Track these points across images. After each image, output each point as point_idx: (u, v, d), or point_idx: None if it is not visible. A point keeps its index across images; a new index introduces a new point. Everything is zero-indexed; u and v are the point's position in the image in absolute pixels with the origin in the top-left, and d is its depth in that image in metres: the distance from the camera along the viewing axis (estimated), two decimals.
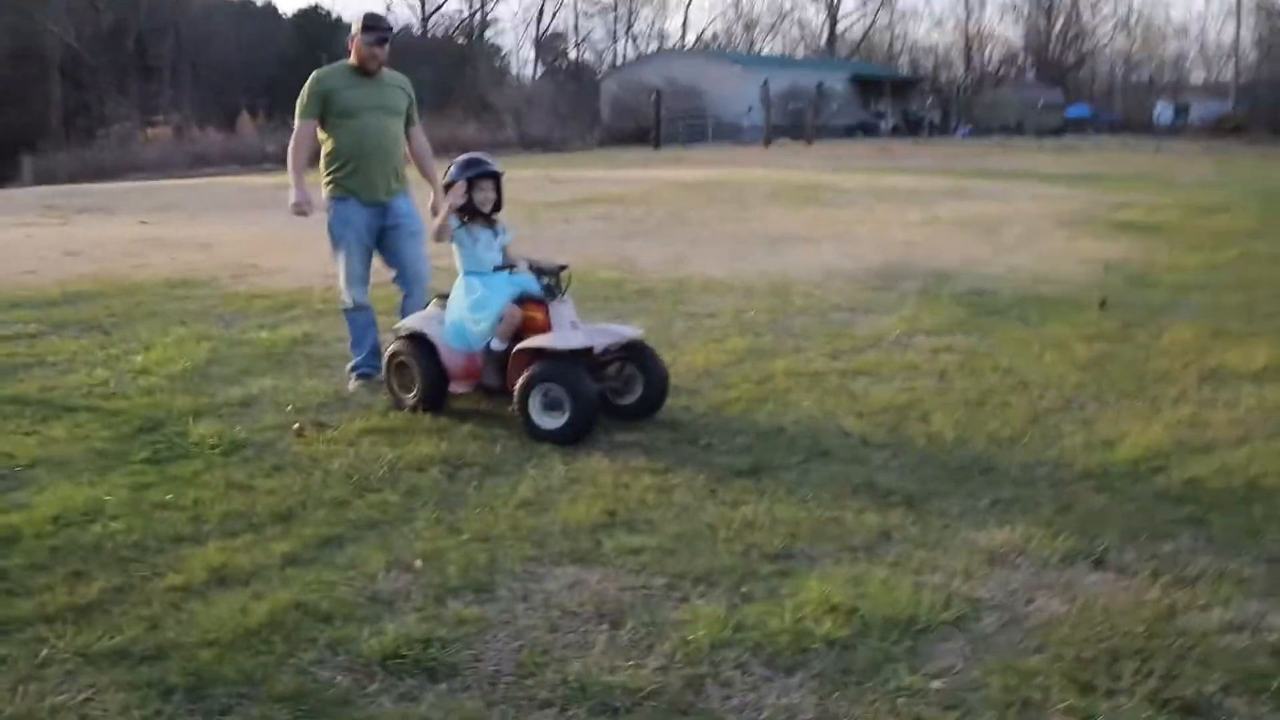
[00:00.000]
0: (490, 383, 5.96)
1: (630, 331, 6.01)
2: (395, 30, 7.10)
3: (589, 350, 5.74)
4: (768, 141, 40.86)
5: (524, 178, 21.60)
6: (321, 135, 6.82)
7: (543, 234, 13.65)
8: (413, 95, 7.13)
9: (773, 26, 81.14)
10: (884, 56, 74.04)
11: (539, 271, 5.95)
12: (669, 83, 50.61)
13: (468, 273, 6.06)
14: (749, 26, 79.17)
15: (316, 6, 66.30)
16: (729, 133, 48.39)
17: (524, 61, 79.44)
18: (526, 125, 51.82)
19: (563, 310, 5.83)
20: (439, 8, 72.26)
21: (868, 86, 58.58)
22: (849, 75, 58.13)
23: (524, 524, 4.55)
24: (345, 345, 7.09)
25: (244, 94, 54.54)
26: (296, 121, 6.85)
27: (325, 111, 6.73)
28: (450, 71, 62.83)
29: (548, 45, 76.77)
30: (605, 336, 5.87)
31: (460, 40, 72.33)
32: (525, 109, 54.55)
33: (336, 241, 6.85)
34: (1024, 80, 66.58)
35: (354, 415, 6.13)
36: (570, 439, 5.53)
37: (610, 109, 56.08)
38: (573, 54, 77.16)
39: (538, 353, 5.67)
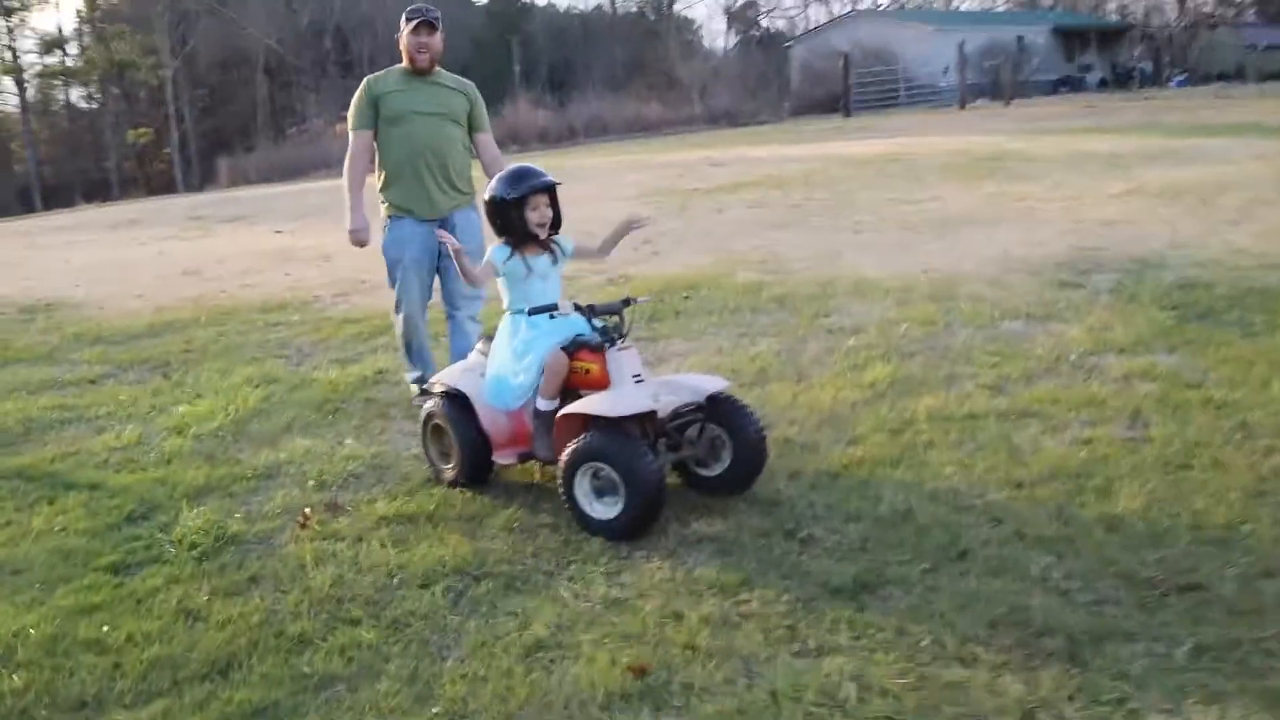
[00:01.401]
0: (540, 453, 4.73)
1: (711, 384, 4.63)
2: (440, 18, 5.99)
3: (652, 414, 4.41)
4: (963, 104, 38.27)
5: (683, 161, 20.26)
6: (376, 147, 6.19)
7: (691, 226, 12.31)
8: (477, 98, 6.27)
9: None
10: (1089, 5, 69.35)
11: (591, 312, 4.63)
12: (859, 47, 48.27)
13: (514, 312, 4.79)
14: None
15: None
16: (924, 96, 45.84)
17: (715, 34, 77.50)
18: (713, 99, 50.42)
19: (622, 360, 4.50)
20: None
21: (1072, 38, 54.50)
22: (1051, 27, 54.14)
23: (518, 688, 3.29)
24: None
25: None
26: (350, 136, 6.18)
27: (378, 119, 6.12)
28: (640, 48, 61.96)
29: (739, 15, 74.86)
30: (675, 393, 4.52)
31: (650, 16, 71.21)
32: (711, 82, 53.09)
33: (392, 267, 6.22)
34: (1244, 20, 61.09)
35: (380, 493, 5.00)
36: (626, 533, 4.26)
37: (800, 77, 53.98)
38: (764, 22, 75.04)
39: (586, 419, 4.37)
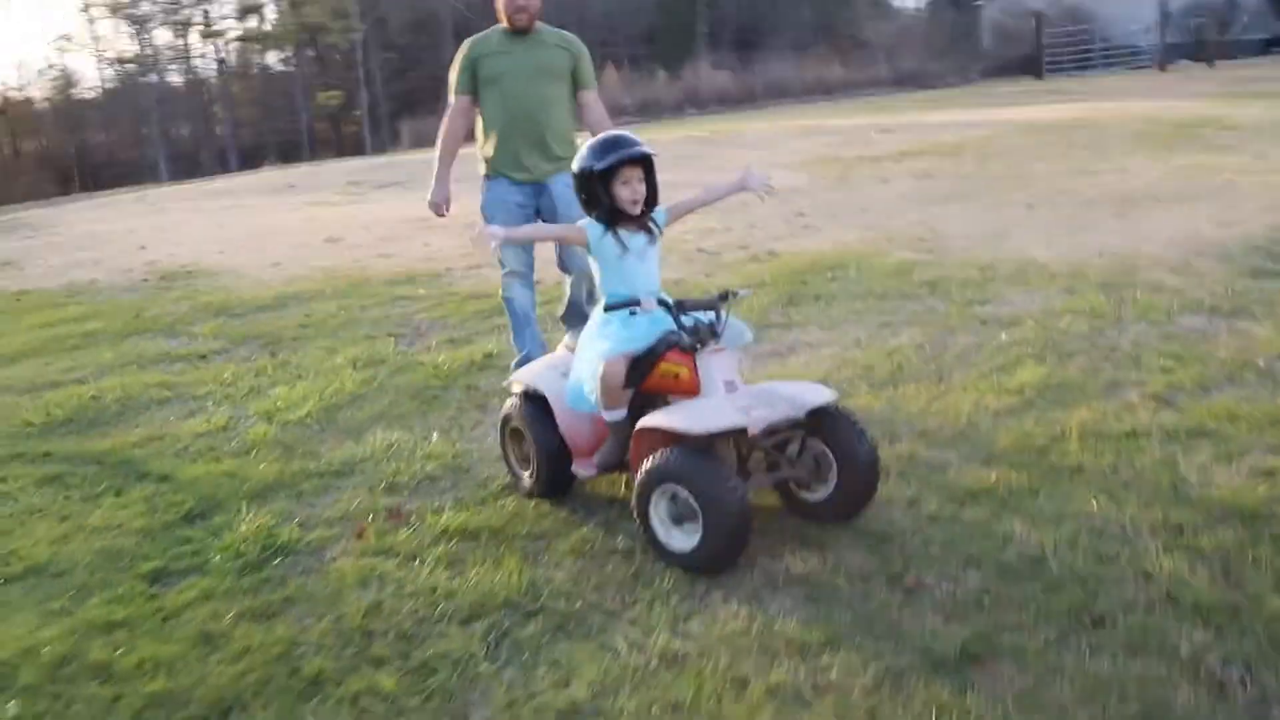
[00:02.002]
0: (608, 461, 4.22)
1: (814, 395, 3.96)
2: None
3: (741, 431, 3.80)
4: (1163, 65, 35.86)
5: (851, 127, 19.29)
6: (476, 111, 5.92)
7: (850, 199, 11.54)
8: (581, 53, 5.89)
9: None
10: None
11: (680, 309, 4.04)
12: (1054, 5, 45.89)
13: (609, 303, 4.21)
14: None
15: None
16: (1122, 57, 43.28)
17: None
18: (899, 61, 48.77)
19: (714, 365, 3.92)
20: None
21: None
22: None
23: None
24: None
25: (626, 44, 54.78)
26: (450, 100, 5.91)
27: (476, 83, 5.83)
28: (829, 9, 60.37)
29: None
30: (772, 405, 3.86)
31: None
32: (898, 44, 51.35)
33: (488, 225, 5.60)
34: None
35: (451, 501, 4.55)
36: (705, 566, 3.68)
37: (991, 37, 51.73)
38: None
39: (662, 435, 3.79)
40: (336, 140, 55.61)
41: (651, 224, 4.26)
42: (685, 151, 17.18)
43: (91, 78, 59.51)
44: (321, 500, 4.70)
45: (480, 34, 5.93)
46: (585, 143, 4.24)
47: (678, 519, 3.74)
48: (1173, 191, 10.30)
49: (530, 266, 5.93)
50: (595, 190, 4.14)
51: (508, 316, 6.02)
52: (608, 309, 4.10)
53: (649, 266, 4.25)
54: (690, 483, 3.64)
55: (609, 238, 4.17)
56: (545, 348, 5.85)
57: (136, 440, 5.70)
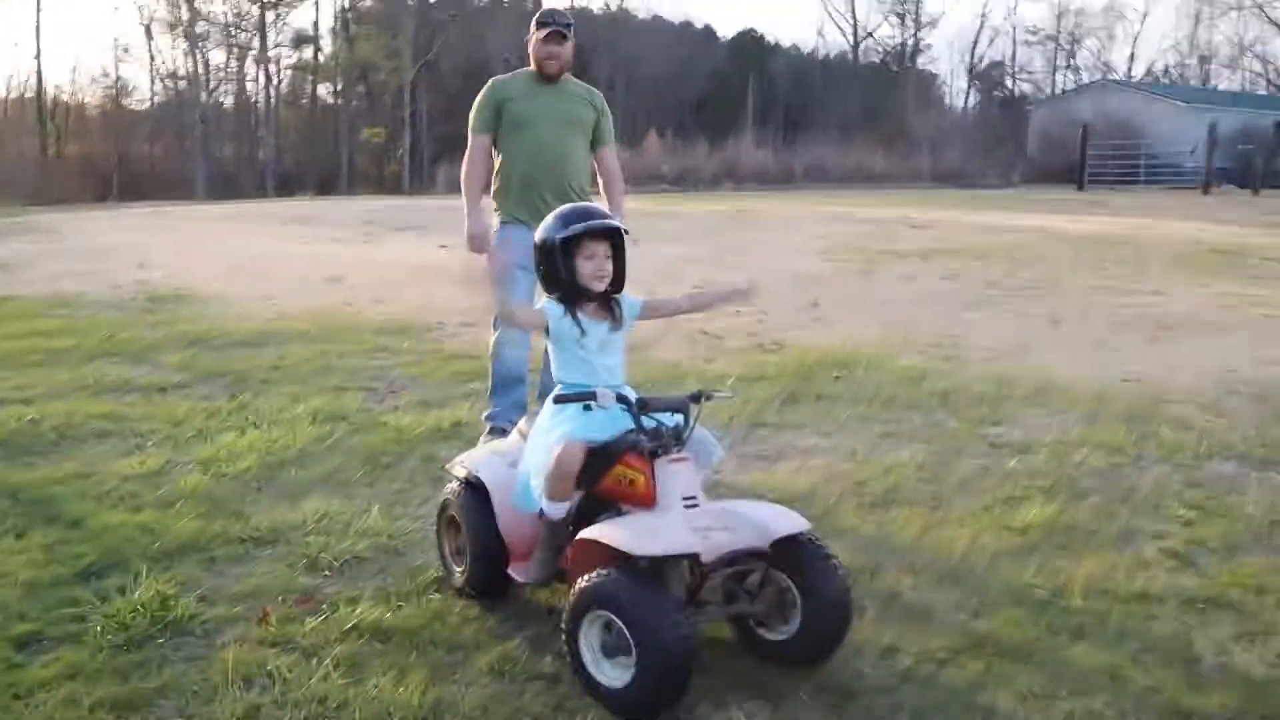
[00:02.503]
0: (532, 570, 3.74)
1: (783, 522, 3.43)
2: (572, 25, 5.77)
3: (694, 557, 3.30)
4: (1207, 188, 35.44)
5: (882, 218, 18.83)
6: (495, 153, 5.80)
7: (870, 293, 11.08)
8: (604, 110, 5.86)
9: (1231, 60, 72.06)
10: None
11: (642, 407, 3.55)
12: (1103, 117, 45.63)
13: (561, 394, 3.71)
14: (1204, 60, 71.04)
15: (752, 30, 65.89)
16: (1166, 175, 42.94)
17: (958, 91, 74.80)
18: (942, 157, 48.60)
19: (674, 475, 3.42)
20: (870, 34, 69.67)
21: None
22: None
23: None
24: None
25: (674, 111, 54.87)
26: (470, 138, 5.72)
27: (499, 124, 5.71)
28: (878, 98, 60.45)
29: (984, 75, 72.40)
30: (735, 529, 3.36)
31: (893, 67, 69.49)
32: (943, 139, 51.21)
33: (500, 272, 5.55)
34: None
35: (372, 589, 4.06)
36: (636, 709, 3.16)
37: (1037, 143, 51.51)
38: (1009, 84, 72.28)
39: (603, 550, 3.29)
40: (378, 178, 55.65)
41: (615, 308, 3.81)
42: (710, 225, 16.86)
43: (143, 90, 59.75)
44: (233, 570, 4.22)
45: (506, 75, 5.86)
46: (552, 214, 3.80)
47: (610, 651, 3.21)
48: (1209, 320, 9.80)
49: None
50: (555, 263, 3.70)
51: (490, 372, 5.74)
52: (558, 400, 3.63)
53: (611, 358, 3.82)
54: (626, 611, 3.12)
55: (567, 320, 3.72)
56: (524, 412, 5.40)
57: (62, 476, 5.26)
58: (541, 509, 3.63)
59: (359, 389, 6.97)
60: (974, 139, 51.95)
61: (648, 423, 3.51)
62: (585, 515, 3.62)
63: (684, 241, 15.08)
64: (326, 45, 61.96)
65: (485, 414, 5.82)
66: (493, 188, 5.75)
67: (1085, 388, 7.22)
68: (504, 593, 3.90)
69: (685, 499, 3.39)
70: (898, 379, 7.39)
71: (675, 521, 3.32)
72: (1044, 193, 34.19)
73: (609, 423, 3.58)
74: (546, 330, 3.79)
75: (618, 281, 3.79)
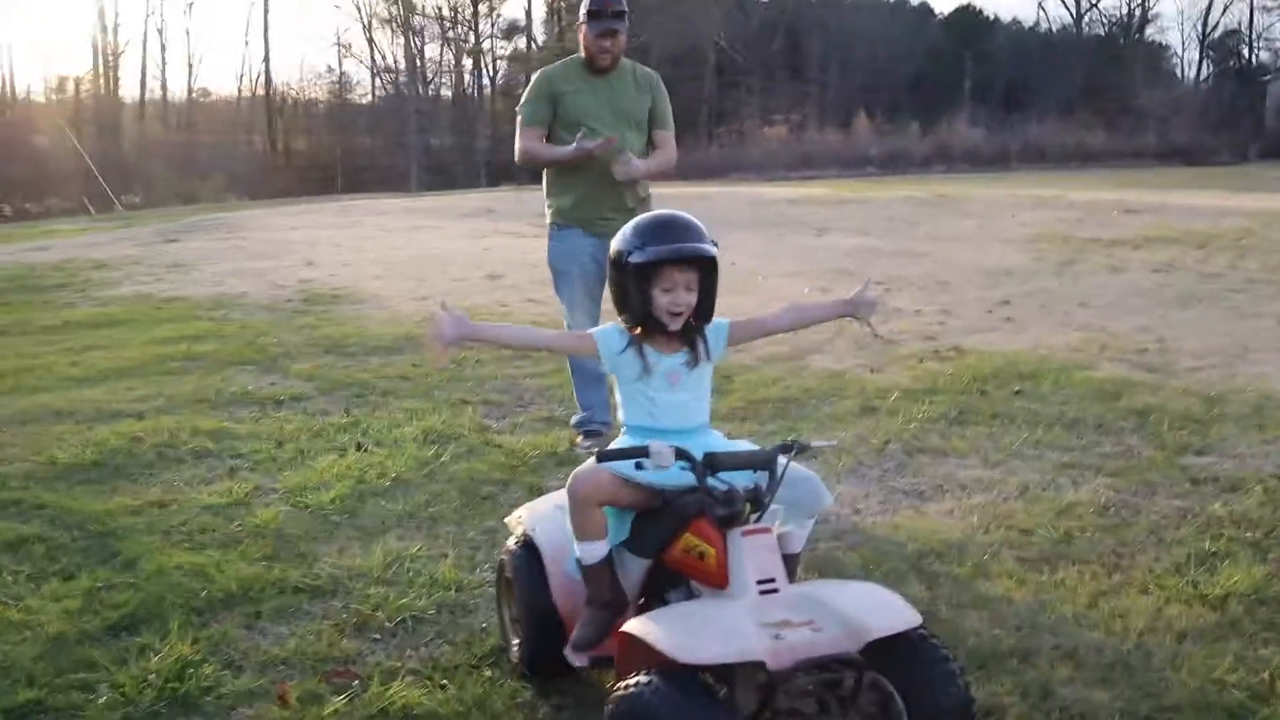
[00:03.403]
0: (581, 639, 3.10)
1: (884, 618, 2.63)
2: (627, 12, 5.28)
3: (760, 666, 2.56)
4: None
5: (1093, 202, 17.30)
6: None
7: (1069, 289, 9.96)
8: (660, 93, 5.40)
9: None
10: None
11: (710, 469, 2.82)
12: None
13: (606, 448, 3.05)
14: None
15: (970, 5, 63.39)
16: None
17: (1189, 63, 70.22)
18: (1170, 132, 45.69)
19: (748, 551, 2.71)
20: (1094, 4, 66.07)
21: None
22: None
23: None
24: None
25: (887, 92, 53.32)
26: (519, 131, 5.38)
27: (553, 118, 5.30)
28: (1103, 72, 57.24)
29: (1217, 44, 67.76)
30: (821, 625, 2.59)
31: (1119, 39, 65.76)
32: (1172, 114, 48.11)
33: (558, 280, 5.48)
34: None
35: (420, 660, 3.52)
36: None
37: (1277, 115, 47.93)
38: (1246, 53, 67.45)
39: (647, 648, 2.61)
40: None
41: (700, 341, 3.13)
42: (898, 214, 15.85)
43: (365, 85, 61.57)
44: (276, 629, 3.74)
45: (555, 65, 5.45)
46: (634, 221, 3.11)
47: None
48: None
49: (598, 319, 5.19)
50: (627, 285, 3.03)
51: (572, 378, 5.49)
52: (601, 458, 2.94)
53: (686, 398, 3.13)
54: None
55: (630, 353, 3.06)
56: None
57: (139, 505, 4.90)
58: (575, 554, 3.05)
59: (483, 402, 6.47)
60: (1206, 113, 48.61)
61: (717, 485, 2.81)
62: (654, 588, 3.06)
63: (870, 232, 14.19)
64: (540, 35, 62.46)
65: (574, 419, 5.53)
66: (545, 183, 5.39)
67: None
68: (566, 673, 3.25)
69: (761, 582, 2.68)
70: (1089, 394, 6.43)
71: (740, 615, 2.60)
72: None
73: (664, 473, 2.88)
74: (600, 363, 3.14)
75: (704, 313, 3.10)
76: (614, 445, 2.92)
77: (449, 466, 5.34)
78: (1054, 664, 3.38)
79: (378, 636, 3.67)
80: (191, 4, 68.15)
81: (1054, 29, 65.53)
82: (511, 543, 3.45)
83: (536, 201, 6.04)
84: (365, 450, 5.57)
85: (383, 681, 3.32)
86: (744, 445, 3.17)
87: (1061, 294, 9.59)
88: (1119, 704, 3.17)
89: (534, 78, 5.47)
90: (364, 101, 60.63)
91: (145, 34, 73.97)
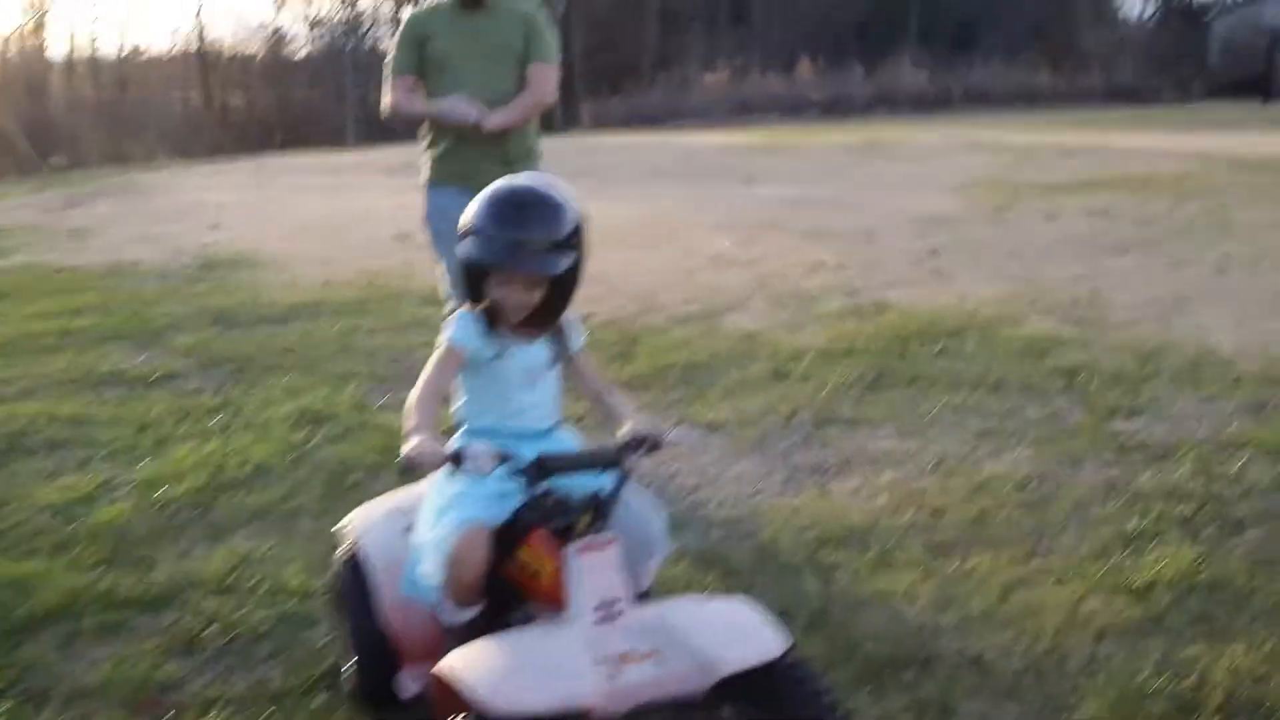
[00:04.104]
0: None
1: (743, 650, 2.22)
2: None
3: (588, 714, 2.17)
4: None
5: (1029, 145, 16.88)
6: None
7: (1002, 237, 9.60)
8: (537, 25, 4.72)
9: None
10: None
11: (538, 471, 2.41)
12: None
13: (466, 432, 2.74)
14: None
15: None
16: None
17: (1133, 3, 69.97)
18: (1115, 73, 45.47)
19: (587, 570, 2.30)
20: None
21: None
22: None
23: None
24: None
25: (832, 35, 52.51)
26: (387, 83, 4.85)
27: (423, 64, 4.74)
28: (1051, 13, 56.74)
29: None
30: (662, 663, 2.20)
31: None
32: (1117, 54, 47.89)
33: (433, 239, 4.89)
34: None
35: (243, 686, 3.11)
36: None
37: (1219, 55, 47.80)
38: None
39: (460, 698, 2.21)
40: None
41: (561, 337, 2.74)
42: (832, 164, 15.43)
43: (301, 38, 60.04)
44: (93, 651, 3.32)
45: (423, 8, 4.85)
46: (487, 190, 2.65)
47: None
48: None
49: None
50: (472, 277, 2.64)
51: None
52: (404, 469, 2.49)
53: (543, 396, 2.78)
54: None
55: (486, 339, 2.64)
56: None
57: None
58: (442, 614, 2.64)
59: (369, 377, 6.01)
60: (1150, 53, 48.40)
61: (548, 491, 2.42)
62: (494, 608, 2.61)
63: (801, 181, 13.76)
64: None
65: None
66: (422, 136, 4.87)
67: (1251, 362, 5.81)
68: (397, 704, 2.84)
69: (601, 604, 2.27)
70: (1015, 352, 6.08)
71: (571, 649, 2.21)
72: (1224, 109, 31.23)
73: (517, 495, 2.49)
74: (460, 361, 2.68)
75: (559, 307, 2.67)
76: (445, 446, 2.42)
77: (318, 451, 4.91)
78: (957, 672, 3.04)
79: (207, 657, 3.26)
80: None
81: None
82: (340, 554, 3.03)
83: None
84: (231, 434, 5.13)
85: (198, 714, 2.92)
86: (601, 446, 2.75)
87: (993, 243, 9.22)
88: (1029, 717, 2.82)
89: (401, 23, 4.96)
90: (301, 56, 59.19)
91: None
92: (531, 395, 2.73)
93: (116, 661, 3.22)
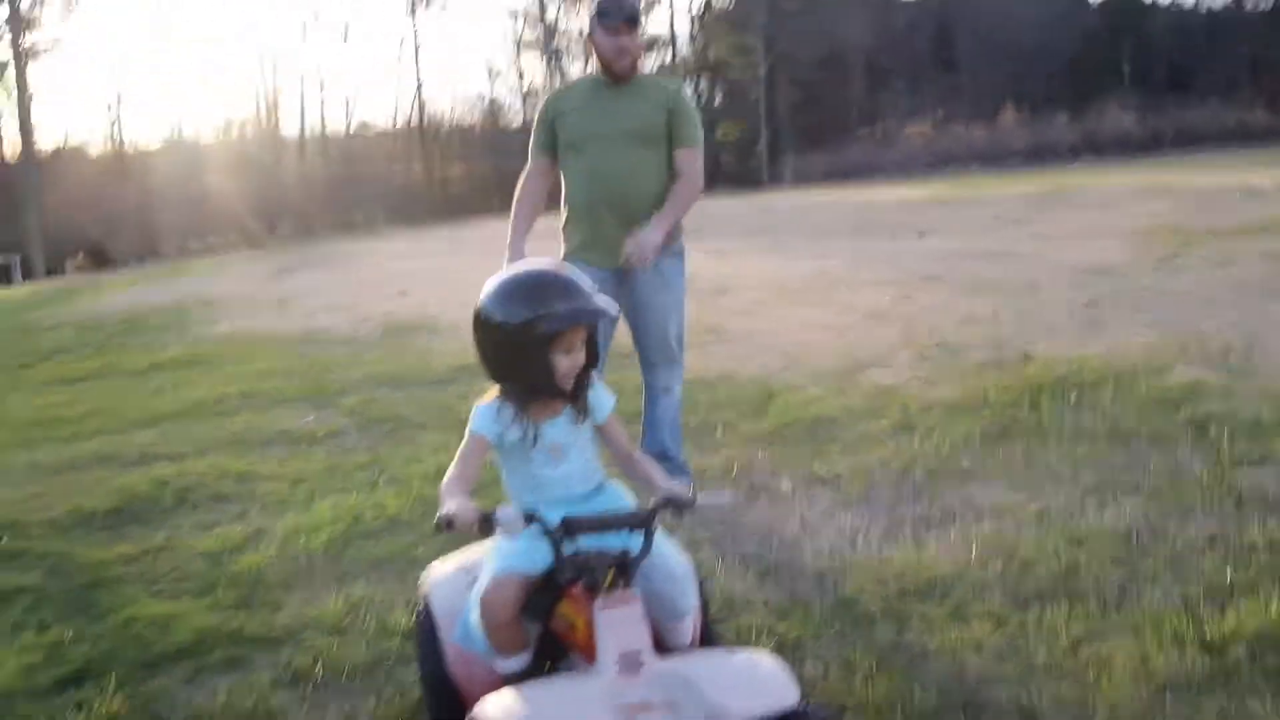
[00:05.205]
0: None
1: (752, 704, 2.37)
2: (640, 20, 4.82)
3: None
4: None
5: (1217, 188, 16.18)
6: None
7: (1166, 285, 9.29)
8: (680, 105, 4.77)
9: None
10: None
11: (565, 531, 2.59)
12: None
13: (515, 500, 2.91)
14: None
15: None
16: None
17: None
18: None
19: (613, 625, 2.48)
20: None
21: None
22: None
23: None
24: None
25: (1039, 82, 51.45)
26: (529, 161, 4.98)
27: (557, 144, 4.85)
28: (1266, 48, 54.17)
29: None
30: (682, 710, 2.35)
31: None
32: None
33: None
34: None
35: (339, 716, 3.36)
36: None
37: None
38: None
39: None
40: (740, 173, 55.18)
41: (582, 397, 2.89)
42: (1006, 212, 15.19)
43: (515, 107, 62.26)
44: (213, 683, 3.69)
45: (564, 85, 5.06)
46: (501, 272, 2.86)
47: None
48: None
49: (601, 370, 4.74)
50: (523, 354, 2.76)
51: None
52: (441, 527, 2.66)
53: (571, 468, 2.89)
54: None
55: (513, 426, 2.82)
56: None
57: (138, 552, 4.95)
58: (492, 660, 2.81)
59: None
60: None
61: (575, 550, 2.61)
62: (542, 659, 2.82)
63: (972, 233, 13.65)
64: (683, 48, 62.28)
65: None
66: (561, 218, 4.94)
67: None
68: None
69: (624, 656, 2.44)
70: (1151, 402, 5.96)
71: (592, 699, 2.38)
72: None
73: (528, 551, 2.71)
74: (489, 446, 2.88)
75: (588, 367, 2.87)
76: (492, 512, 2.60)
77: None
78: None
79: (310, 689, 3.57)
80: (346, 38, 69.85)
81: (1217, 6, 62.40)
82: (416, 605, 3.26)
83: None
84: (375, 488, 5.52)
85: None
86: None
87: (1155, 291, 8.97)
88: None
89: (541, 102, 5.04)
90: (515, 125, 61.31)
91: (303, 75, 76.58)
92: (562, 468, 2.87)
93: (231, 692, 3.57)
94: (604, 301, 2.78)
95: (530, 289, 2.77)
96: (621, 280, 4.63)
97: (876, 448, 5.60)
